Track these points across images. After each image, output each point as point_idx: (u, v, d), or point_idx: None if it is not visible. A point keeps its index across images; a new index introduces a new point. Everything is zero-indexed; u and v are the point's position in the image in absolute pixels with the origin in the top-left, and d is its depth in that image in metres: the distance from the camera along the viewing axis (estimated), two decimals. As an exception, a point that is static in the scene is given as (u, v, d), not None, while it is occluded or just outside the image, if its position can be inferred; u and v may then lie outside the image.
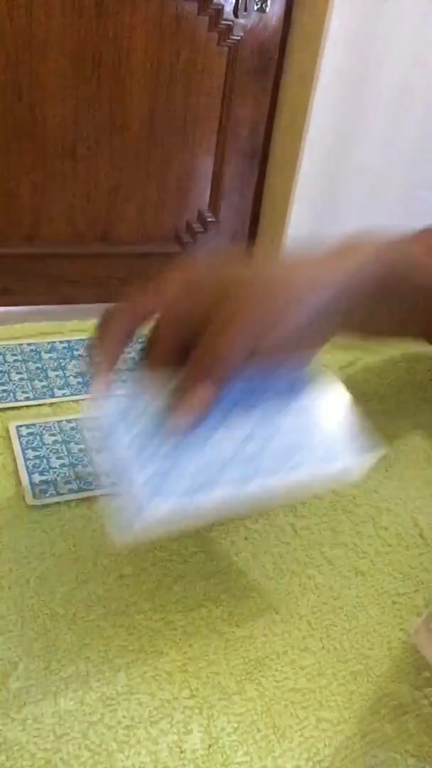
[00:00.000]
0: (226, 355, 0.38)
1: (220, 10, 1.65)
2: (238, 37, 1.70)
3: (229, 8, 1.65)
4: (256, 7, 1.68)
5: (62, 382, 0.61)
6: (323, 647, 0.42)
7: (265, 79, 1.79)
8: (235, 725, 0.37)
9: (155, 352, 0.41)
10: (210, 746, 0.36)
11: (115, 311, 0.41)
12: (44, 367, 0.63)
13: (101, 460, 0.38)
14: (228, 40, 1.69)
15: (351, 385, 0.68)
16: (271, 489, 0.38)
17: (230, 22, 1.67)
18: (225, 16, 1.66)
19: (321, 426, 0.41)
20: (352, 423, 0.42)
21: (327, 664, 0.41)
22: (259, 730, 0.37)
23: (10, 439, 0.54)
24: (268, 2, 1.67)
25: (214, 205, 1.93)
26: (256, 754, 0.36)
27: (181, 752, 0.36)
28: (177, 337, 0.40)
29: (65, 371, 0.63)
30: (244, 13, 1.67)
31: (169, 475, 0.36)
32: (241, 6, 1.66)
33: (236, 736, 0.37)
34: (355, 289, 0.42)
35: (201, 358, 0.39)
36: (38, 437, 0.54)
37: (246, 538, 0.48)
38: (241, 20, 1.68)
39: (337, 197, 1.87)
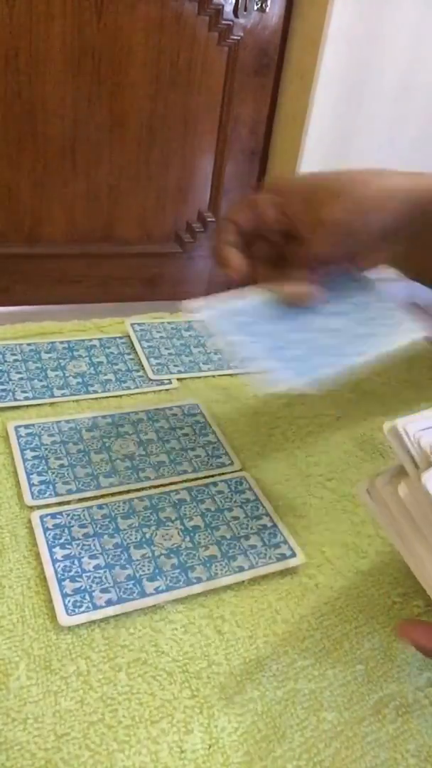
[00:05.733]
0: (321, 253, 0.46)
1: (220, 10, 1.65)
2: (238, 37, 1.70)
3: (229, 8, 1.65)
4: (256, 7, 1.68)
5: (62, 382, 0.61)
6: (323, 647, 0.42)
7: (265, 78, 1.79)
8: (236, 725, 0.37)
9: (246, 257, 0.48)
10: (210, 746, 0.36)
11: (222, 223, 0.48)
12: (44, 367, 0.63)
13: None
14: (228, 40, 1.69)
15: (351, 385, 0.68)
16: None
17: (230, 22, 1.67)
18: (225, 16, 1.66)
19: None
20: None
21: (327, 665, 0.41)
22: (259, 731, 0.37)
23: (9, 439, 0.54)
24: (268, 2, 1.67)
25: (214, 204, 1.93)
26: (257, 755, 0.36)
27: (182, 752, 0.35)
28: (271, 240, 0.47)
29: (65, 371, 0.63)
30: (244, 13, 1.67)
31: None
32: (241, 6, 1.66)
33: (236, 736, 0.37)
34: (423, 208, 0.46)
35: (302, 255, 0.46)
36: (37, 437, 0.54)
37: (246, 538, 0.48)
38: (241, 20, 1.68)
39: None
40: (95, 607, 0.41)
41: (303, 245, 0.46)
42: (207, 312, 0.45)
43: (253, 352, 0.44)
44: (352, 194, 0.45)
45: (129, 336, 0.69)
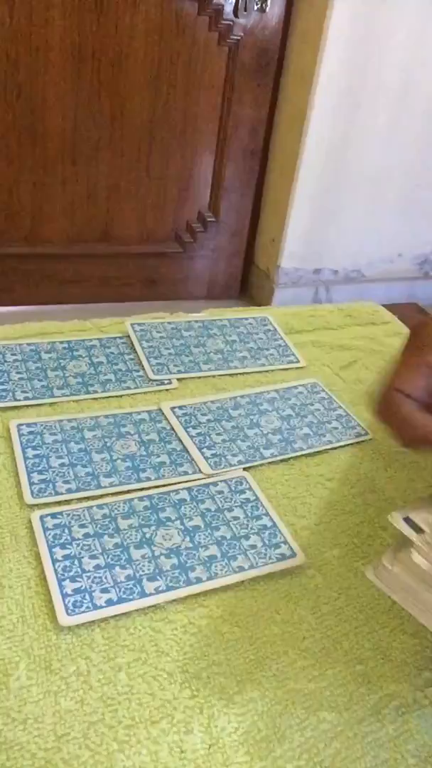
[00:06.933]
0: None
1: (220, 10, 1.65)
2: (238, 37, 1.70)
3: (229, 8, 1.65)
4: (256, 7, 1.67)
5: (62, 382, 0.61)
6: (323, 648, 0.42)
7: (265, 78, 1.79)
8: (236, 725, 0.37)
9: None
10: (210, 746, 0.36)
11: (389, 397, 0.39)
12: (44, 367, 0.63)
13: None
14: (228, 40, 1.69)
15: (351, 384, 0.68)
16: None
17: (230, 22, 1.67)
18: (225, 16, 1.66)
19: None
20: None
21: (327, 665, 0.41)
22: (259, 731, 0.37)
23: (10, 438, 0.54)
24: (268, 2, 1.67)
25: (214, 204, 1.93)
26: (257, 755, 0.36)
27: (182, 752, 0.35)
28: None
29: (65, 371, 0.63)
30: (244, 13, 1.67)
31: None
32: (241, 6, 1.66)
33: (236, 737, 0.37)
34: None
35: None
36: (39, 436, 0.54)
37: (246, 538, 0.48)
38: (241, 20, 1.68)
39: (337, 197, 1.87)
40: (95, 607, 0.41)
41: None
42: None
43: None
44: None
45: (129, 336, 0.69)
